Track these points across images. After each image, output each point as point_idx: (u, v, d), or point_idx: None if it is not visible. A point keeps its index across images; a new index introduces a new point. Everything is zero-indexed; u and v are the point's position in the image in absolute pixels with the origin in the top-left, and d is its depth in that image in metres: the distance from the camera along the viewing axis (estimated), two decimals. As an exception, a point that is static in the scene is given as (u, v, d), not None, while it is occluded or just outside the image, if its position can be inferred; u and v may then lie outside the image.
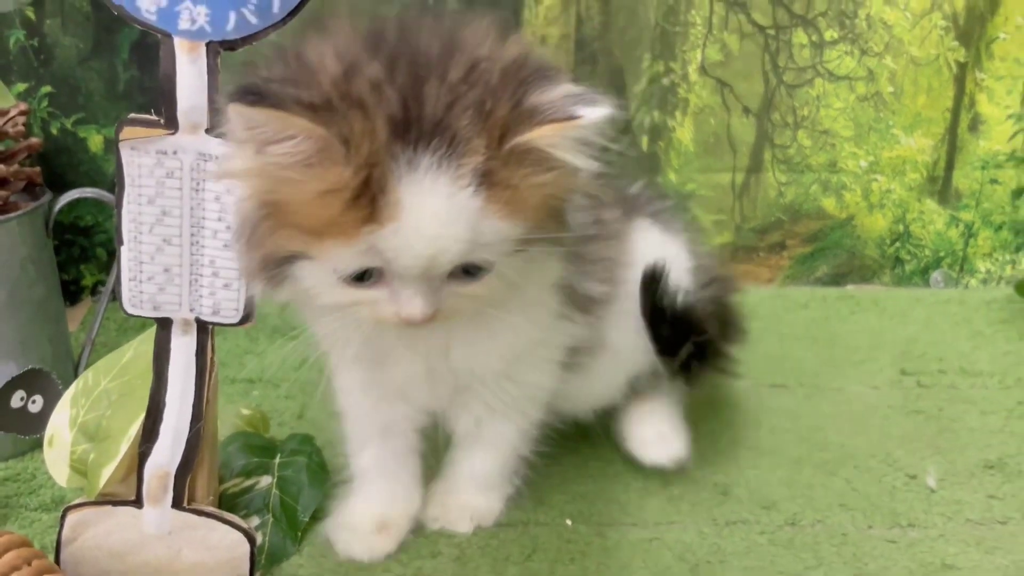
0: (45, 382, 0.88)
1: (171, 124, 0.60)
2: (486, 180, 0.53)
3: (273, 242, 0.56)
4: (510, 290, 0.60)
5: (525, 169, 0.54)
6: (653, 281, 0.79)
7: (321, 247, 0.54)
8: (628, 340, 0.81)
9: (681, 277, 0.82)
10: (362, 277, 0.55)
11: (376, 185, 0.51)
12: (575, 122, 0.52)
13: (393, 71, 0.53)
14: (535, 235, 0.56)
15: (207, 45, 0.59)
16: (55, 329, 0.94)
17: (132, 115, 0.60)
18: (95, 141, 1.19)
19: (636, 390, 0.87)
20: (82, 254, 1.22)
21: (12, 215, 0.85)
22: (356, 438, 0.78)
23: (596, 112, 0.52)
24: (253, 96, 0.50)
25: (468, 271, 0.56)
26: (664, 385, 0.87)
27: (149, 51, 1.15)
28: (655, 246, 0.82)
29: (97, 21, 1.15)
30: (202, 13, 0.58)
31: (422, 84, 0.53)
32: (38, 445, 0.89)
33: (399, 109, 0.52)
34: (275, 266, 0.57)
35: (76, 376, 0.95)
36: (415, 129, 0.52)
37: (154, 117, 0.60)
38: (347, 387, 0.76)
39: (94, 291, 1.24)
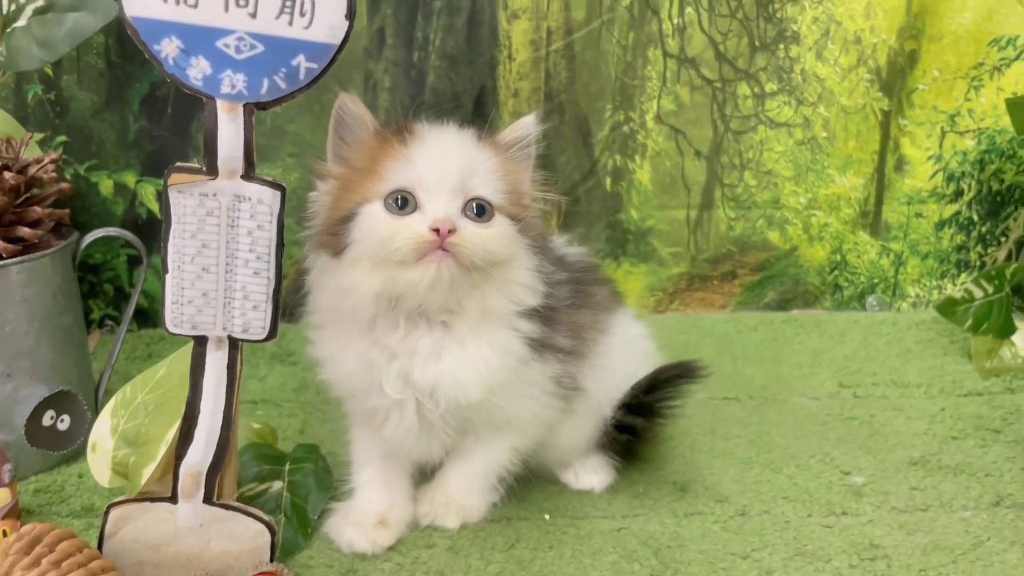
0: (73, 402, 0.96)
1: (212, 171, 0.69)
2: (482, 141, 0.78)
3: (339, 207, 0.75)
4: (502, 249, 0.76)
5: (504, 156, 0.79)
6: (685, 372, 0.90)
7: (375, 177, 0.74)
8: (600, 389, 0.90)
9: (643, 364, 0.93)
10: (403, 207, 0.73)
11: (408, 130, 0.77)
12: (519, 122, 0.81)
13: None
14: (512, 201, 0.77)
15: (244, 106, 0.69)
16: (80, 354, 1.01)
17: (179, 164, 0.69)
18: (106, 186, 1.26)
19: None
20: (91, 290, 1.29)
21: (46, 252, 0.94)
22: (359, 460, 0.88)
23: (529, 118, 0.81)
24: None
25: (476, 211, 0.75)
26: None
27: (157, 105, 1.25)
28: (634, 338, 0.95)
29: (111, 77, 1.23)
30: (240, 79, 0.68)
31: None
32: (65, 460, 0.97)
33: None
34: (341, 225, 0.74)
35: (97, 398, 1.03)
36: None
37: (198, 165, 0.69)
38: (357, 439, 0.88)
39: (101, 324, 1.31)
